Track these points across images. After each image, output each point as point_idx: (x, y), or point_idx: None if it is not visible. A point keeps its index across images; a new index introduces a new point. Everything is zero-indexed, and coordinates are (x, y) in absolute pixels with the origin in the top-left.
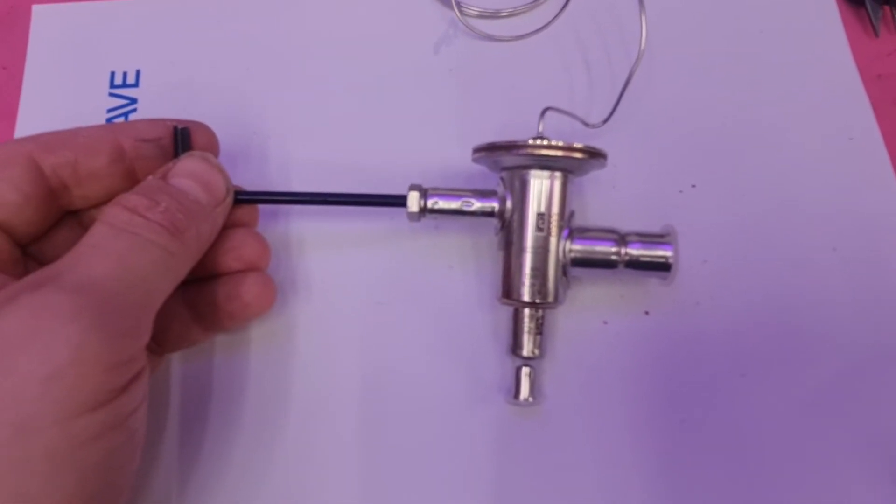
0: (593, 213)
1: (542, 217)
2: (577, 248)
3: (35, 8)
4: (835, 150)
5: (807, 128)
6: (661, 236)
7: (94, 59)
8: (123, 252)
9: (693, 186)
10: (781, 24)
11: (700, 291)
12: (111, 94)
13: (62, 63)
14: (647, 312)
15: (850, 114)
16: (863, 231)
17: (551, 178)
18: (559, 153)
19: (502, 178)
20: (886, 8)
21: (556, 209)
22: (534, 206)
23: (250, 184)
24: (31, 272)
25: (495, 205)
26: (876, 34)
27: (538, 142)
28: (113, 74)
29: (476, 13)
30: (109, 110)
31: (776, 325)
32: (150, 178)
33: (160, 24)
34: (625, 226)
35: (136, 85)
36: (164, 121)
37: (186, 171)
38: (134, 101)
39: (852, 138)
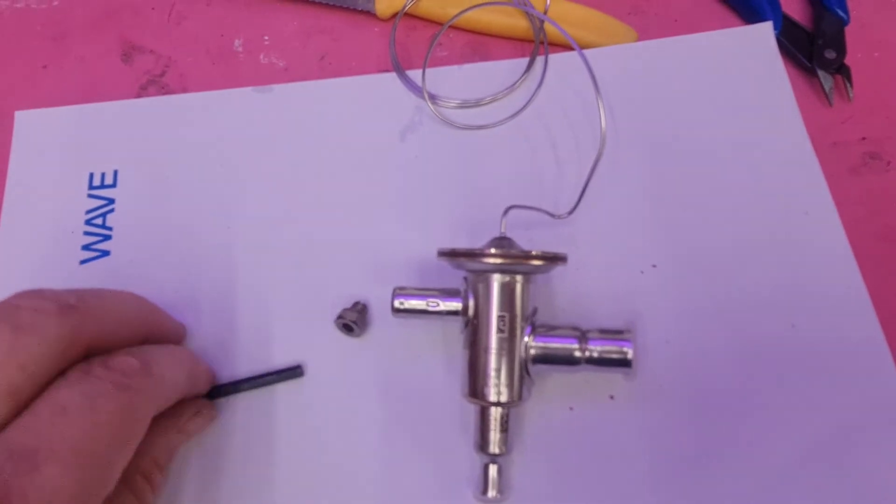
0: (558, 295)
1: (503, 319)
2: (539, 345)
3: (17, 114)
4: (791, 225)
5: (763, 204)
6: (621, 332)
7: (74, 161)
8: None
9: (654, 266)
10: (735, 100)
11: (663, 373)
12: (90, 196)
13: (43, 166)
14: (612, 397)
15: (804, 188)
16: (821, 306)
17: (512, 281)
18: (517, 261)
19: (466, 279)
20: (838, 76)
21: (517, 310)
22: (495, 309)
23: (222, 276)
24: None
25: (459, 304)
26: (829, 103)
27: (496, 250)
28: (91, 176)
29: (444, 103)
30: (88, 211)
31: (738, 405)
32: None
33: (136, 125)
34: (588, 309)
35: (113, 185)
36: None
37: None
38: (112, 201)
39: (807, 213)
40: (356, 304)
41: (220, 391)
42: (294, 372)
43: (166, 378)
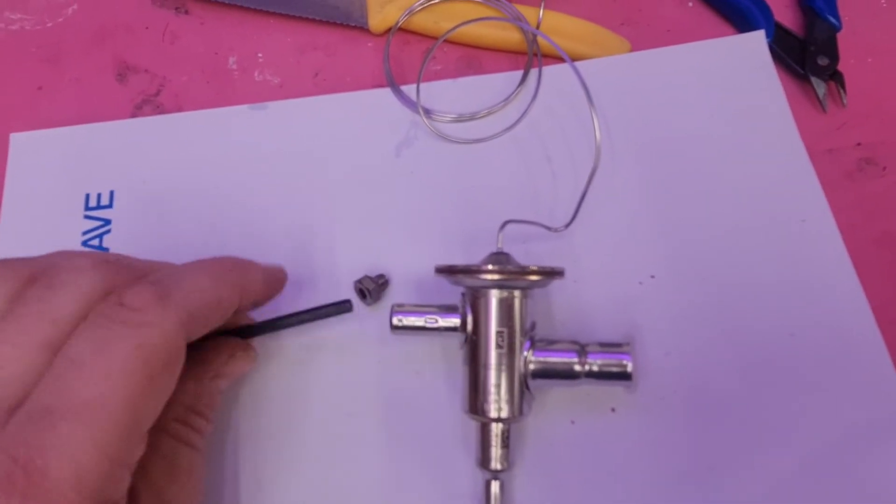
0: (557, 308)
1: (501, 335)
2: (538, 360)
3: (13, 136)
4: (788, 234)
5: (760, 213)
6: (620, 346)
7: (70, 183)
8: None
9: (652, 277)
10: (728, 108)
11: (664, 385)
12: (86, 217)
13: (39, 188)
14: (613, 409)
15: (800, 195)
16: (820, 314)
17: (510, 297)
18: (514, 277)
19: (463, 294)
20: (831, 83)
21: (515, 325)
22: (493, 324)
23: None
24: None
25: (457, 321)
26: (823, 109)
27: (493, 266)
28: (87, 196)
29: (438, 118)
30: (84, 232)
31: (740, 414)
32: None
33: (132, 146)
34: (587, 321)
35: (109, 206)
36: (276, 273)
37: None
38: (108, 221)
39: (805, 220)
40: (380, 276)
41: (253, 330)
42: (342, 307)
43: (192, 302)
